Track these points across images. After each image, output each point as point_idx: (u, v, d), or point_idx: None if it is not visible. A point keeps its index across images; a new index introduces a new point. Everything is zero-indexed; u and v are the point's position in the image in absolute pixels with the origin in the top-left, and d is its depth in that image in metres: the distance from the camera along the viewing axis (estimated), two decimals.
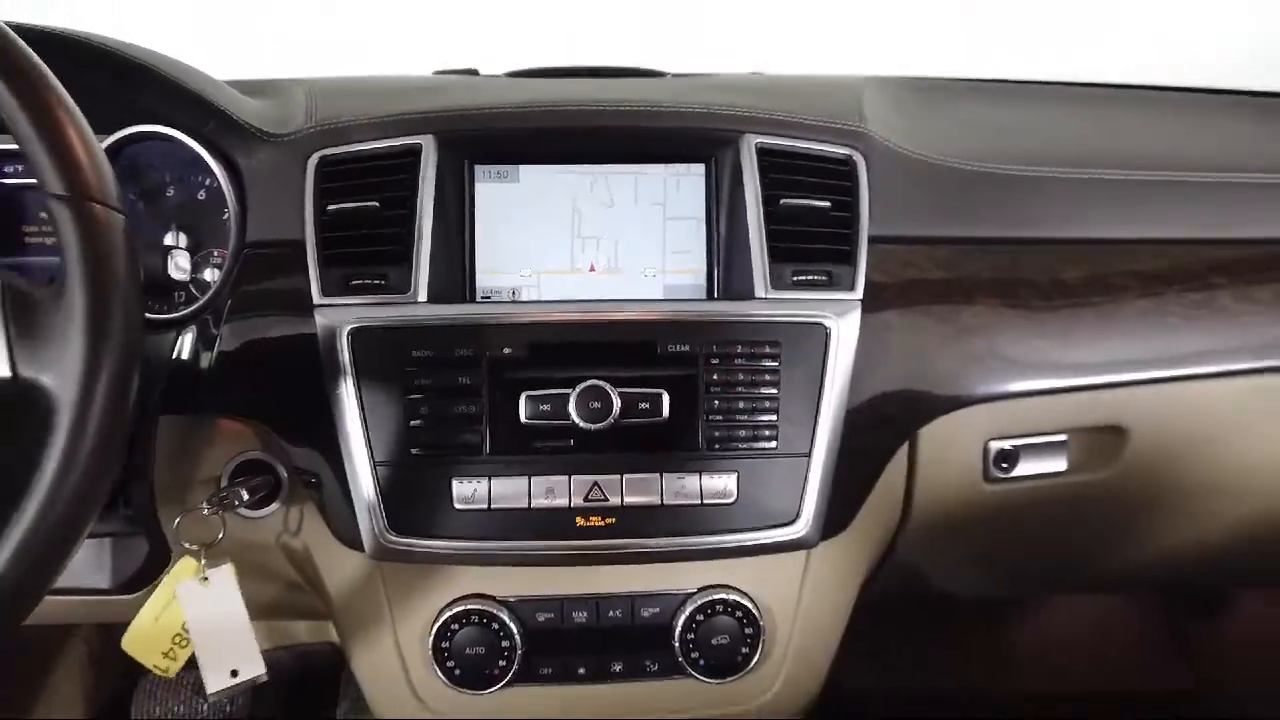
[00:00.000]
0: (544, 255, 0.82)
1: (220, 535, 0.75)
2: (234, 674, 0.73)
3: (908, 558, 0.91)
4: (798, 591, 0.81)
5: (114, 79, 0.80)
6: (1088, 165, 0.87)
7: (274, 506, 0.80)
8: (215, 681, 0.73)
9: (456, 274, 0.80)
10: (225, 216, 0.85)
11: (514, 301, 0.80)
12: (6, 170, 0.89)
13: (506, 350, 0.74)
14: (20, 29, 0.59)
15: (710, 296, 0.82)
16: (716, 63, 1.24)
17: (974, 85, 1.13)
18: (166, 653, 0.73)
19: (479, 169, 0.82)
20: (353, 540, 0.75)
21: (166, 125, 0.81)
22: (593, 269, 0.83)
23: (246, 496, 0.75)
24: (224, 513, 0.75)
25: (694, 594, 0.79)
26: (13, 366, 0.53)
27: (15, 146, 0.86)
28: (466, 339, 0.74)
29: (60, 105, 0.55)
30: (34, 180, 0.86)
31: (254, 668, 0.73)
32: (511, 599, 0.78)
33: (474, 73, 1.19)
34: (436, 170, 0.78)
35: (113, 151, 0.83)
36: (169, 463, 0.80)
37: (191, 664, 1.36)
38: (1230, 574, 1.21)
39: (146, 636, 0.72)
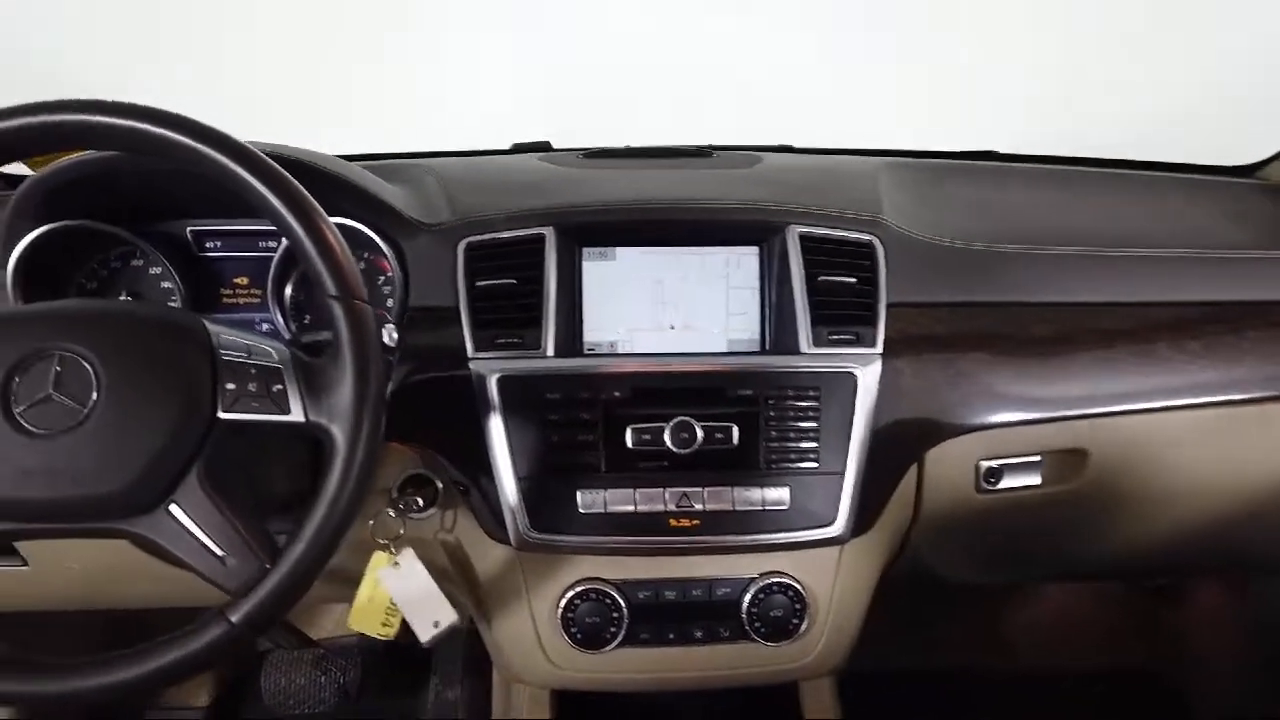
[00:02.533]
0: (635, 317, 1.07)
1: (401, 531, 1.00)
2: (436, 624, 0.97)
3: (918, 552, 1.16)
4: (834, 576, 1.05)
5: (313, 186, 1.04)
6: (1053, 243, 1.11)
7: (433, 510, 1.04)
8: (424, 633, 0.97)
9: (570, 332, 1.04)
10: (380, 282, 1.10)
11: (619, 355, 1.05)
12: (208, 246, 1.14)
13: (615, 394, 0.98)
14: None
15: (763, 349, 1.06)
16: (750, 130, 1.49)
17: (966, 166, 1.37)
18: (384, 622, 0.97)
19: (585, 250, 1.06)
20: (499, 535, 1.00)
21: (350, 219, 1.06)
22: (672, 327, 1.07)
23: (421, 503, 0.99)
24: (404, 515, 1.00)
25: (756, 578, 1.03)
26: (305, 413, 0.77)
27: (216, 227, 1.13)
28: (586, 385, 0.98)
29: (329, 227, 0.78)
30: (231, 254, 1.13)
31: (449, 616, 0.97)
32: (620, 581, 1.03)
33: (548, 145, 1.44)
34: (556, 253, 1.03)
35: None
36: None
37: (311, 643, 1.61)
38: (1182, 567, 1.45)
39: (365, 613, 0.97)
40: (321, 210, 0.78)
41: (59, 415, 0.73)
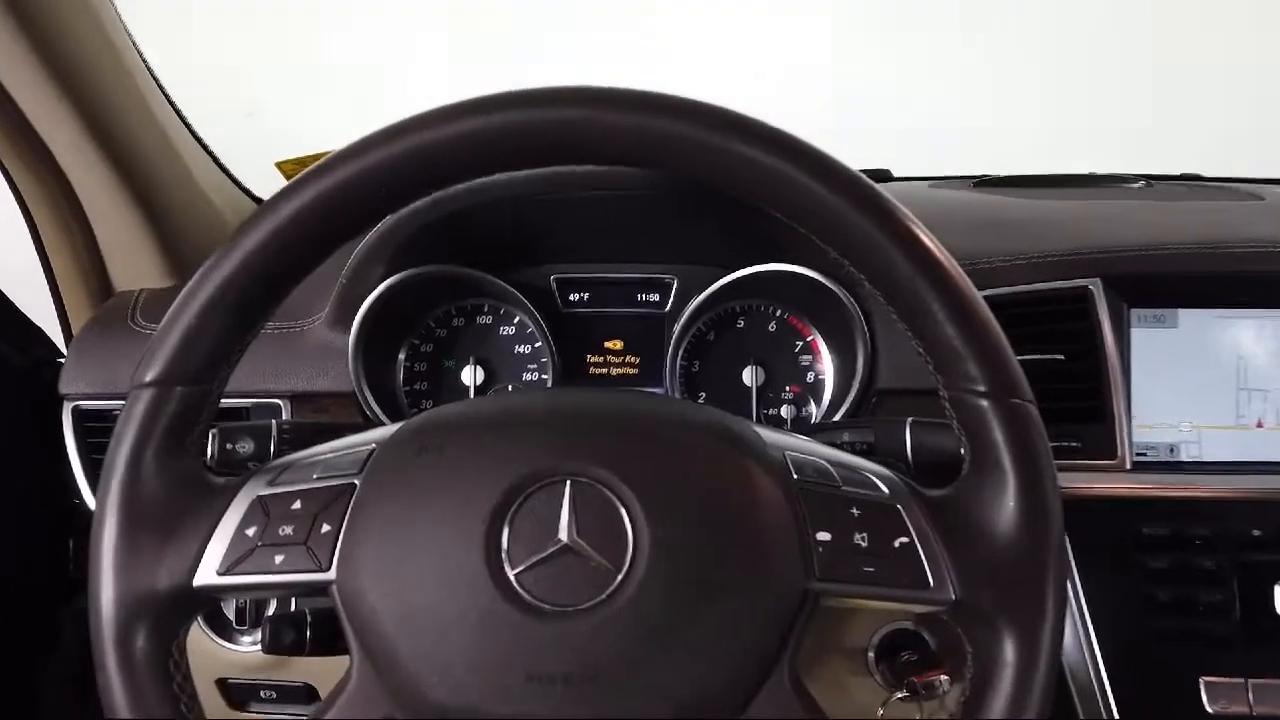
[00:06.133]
0: (1205, 408, 0.74)
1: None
2: None
3: None
4: None
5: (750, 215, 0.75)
6: None
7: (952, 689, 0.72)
8: None
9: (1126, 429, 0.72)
10: (798, 349, 0.81)
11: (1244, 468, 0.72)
12: (572, 299, 0.87)
13: (1255, 533, 0.65)
14: None
15: None
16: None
17: None
18: None
19: (1134, 313, 0.75)
20: None
21: (801, 263, 0.77)
22: (1260, 424, 0.74)
23: (946, 684, 0.67)
24: (920, 699, 0.68)
25: None
26: (953, 587, 0.46)
27: (586, 275, 0.86)
28: (1206, 517, 0.66)
29: (979, 303, 0.48)
30: (601, 309, 0.86)
31: None
32: None
33: (888, 174, 1.14)
34: (1109, 316, 0.72)
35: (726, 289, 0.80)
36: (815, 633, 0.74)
37: None
38: None
39: None
40: (968, 280, 0.48)
41: (580, 580, 0.44)
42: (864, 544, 0.46)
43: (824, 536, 0.46)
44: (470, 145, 0.47)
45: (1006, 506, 0.47)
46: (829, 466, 0.49)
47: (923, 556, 0.46)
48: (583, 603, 0.43)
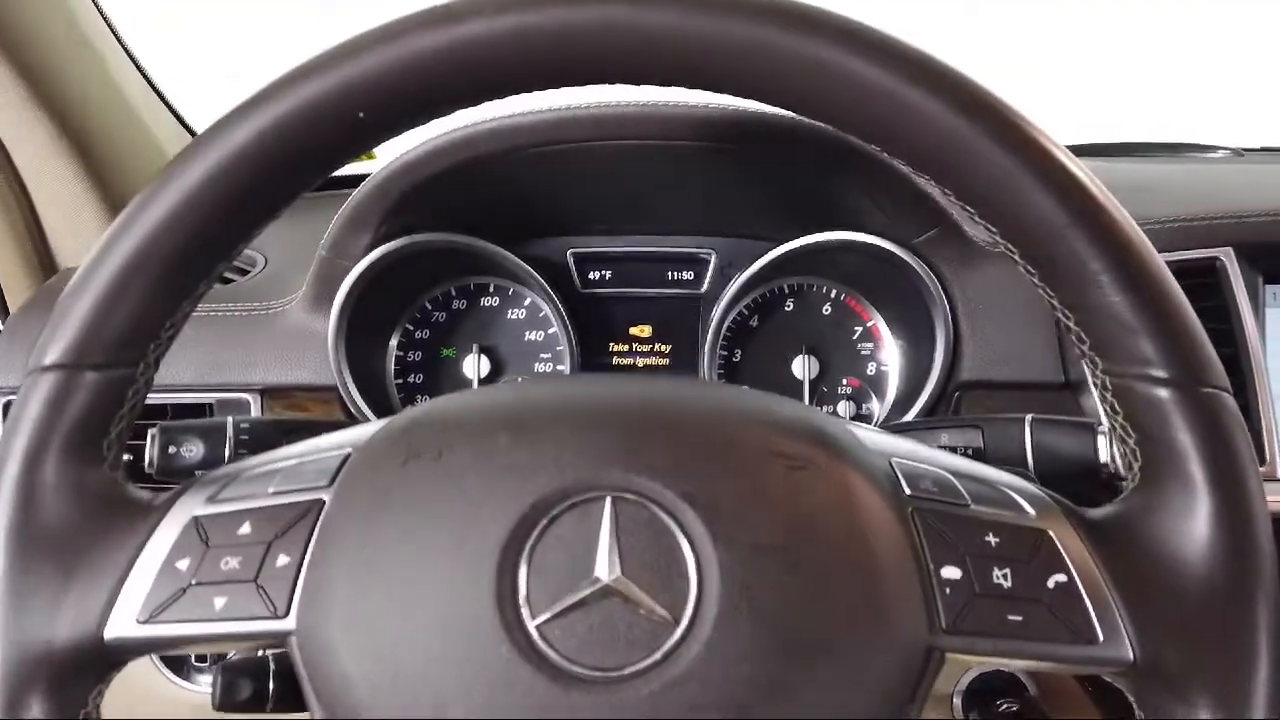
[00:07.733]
0: None
1: None
2: None
3: None
4: None
5: (816, 171, 0.63)
6: None
7: None
8: None
9: None
10: (858, 336, 0.69)
11: None
12: (592, 278, 0.74)
13: None
14: None
15: None
16: None
17: None
18: None
19: (1270, 290, 0.63)
20: None
21: (868, 231, 0.65)
22: None
23: None
24: None
25: None
26: (1131, 641, 0.34)
27: (608, 250, 0.74)
28: None
29: (1164, 272, 0.36)
30: (624, 290, 0.74)
31: None
32: None
33: None
34: (1246, 291, 0.60)
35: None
36: None
37: None
38: None
39: None
40: (1141, 233, 0.35)
41: (625, 634, 0.31)
42: (1006, 583, 0.34)
43: (952, 574, 0.34)
44: (463, 58, 0.35)
45: (1197, 532, 0.35)
46: (950, 478, 0.36)
47: (1087, 601, 0.34)
48: (629, 666, 0.31)
